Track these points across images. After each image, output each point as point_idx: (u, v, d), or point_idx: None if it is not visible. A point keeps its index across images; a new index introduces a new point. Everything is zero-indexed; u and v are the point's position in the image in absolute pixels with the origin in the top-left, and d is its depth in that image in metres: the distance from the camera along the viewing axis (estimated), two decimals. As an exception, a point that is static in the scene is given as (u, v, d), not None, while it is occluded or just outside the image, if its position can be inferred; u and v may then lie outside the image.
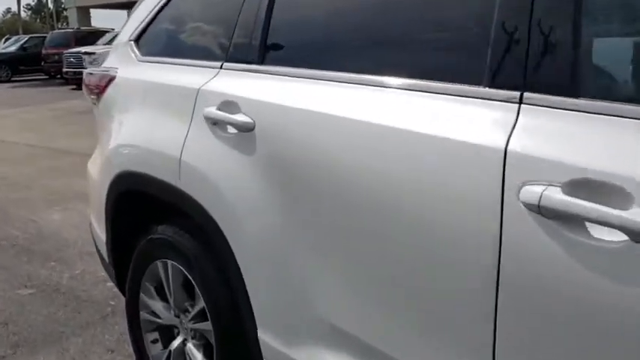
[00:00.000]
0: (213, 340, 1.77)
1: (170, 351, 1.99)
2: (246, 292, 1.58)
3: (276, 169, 1.47)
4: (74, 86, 15.14)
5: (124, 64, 2.17)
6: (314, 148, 1.38)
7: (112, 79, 2.19)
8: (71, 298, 3.04)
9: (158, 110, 1.90)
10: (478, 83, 1.10)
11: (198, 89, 1.72)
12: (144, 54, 2.10)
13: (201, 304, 1.80)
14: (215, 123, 1.63)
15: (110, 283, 3.15)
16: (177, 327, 1.99)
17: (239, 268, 1.58)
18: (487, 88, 1.08)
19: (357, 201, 1.28)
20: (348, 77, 1.38)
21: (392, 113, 1.23)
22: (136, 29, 2.14)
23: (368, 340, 1.34)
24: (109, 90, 2.20)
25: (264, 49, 1.62)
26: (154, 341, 2.08)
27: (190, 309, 1.90)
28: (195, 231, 1.78)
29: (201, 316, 1.84)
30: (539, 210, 0.95)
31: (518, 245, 1.00)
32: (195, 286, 1.79)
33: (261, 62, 1.61)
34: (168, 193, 1.79)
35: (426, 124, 1.15)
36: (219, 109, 1.62)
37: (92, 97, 2.31)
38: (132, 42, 2.15)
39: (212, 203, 1.63)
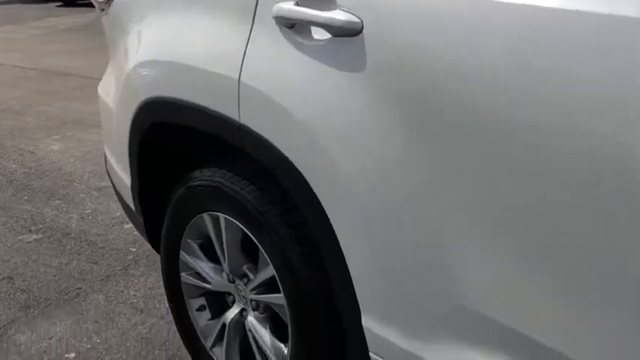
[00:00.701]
0: (287, 318, 1.36)
1: (225, 324, 1.58)
2: (343, 264, 1.14)
3: (400, 91, 0.99)
4: (60, 3, 14.20)
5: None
6: (473, 58, 0.90)
7: (125, -27, 1.65)
8: (84, 244, 2.62)
9: (199, 10, 1.39)
10: None
11: (262, -23, 1.21)
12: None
13: (269, 271, 1.37)
14: (292, 25, 1.14)
15: (128, 225, 2.74)
16: (231, 294, 1.57)
17: (333, 233, 1.14)
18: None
19: (555, 139, 0.82)
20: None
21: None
22: None
23: (551, 344, 0.92)
24: (123, -11, 1.67)
25: None
26: (201, 309, 1.67)
27: (251, 275, 1.48)
28: (261, 179, 1.33)
29: (267, 286, 1.42)
30: None
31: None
32: (262, 250, 1.36)
33: None
34: (221, 128, 1.32)
35: None
36: (299, 4, 1.11)
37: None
38: None
39: (291, 143, 1.17)
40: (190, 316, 1.68)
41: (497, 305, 0.96)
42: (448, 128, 0.94)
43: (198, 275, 1.62)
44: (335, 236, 1.13)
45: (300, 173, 1.17)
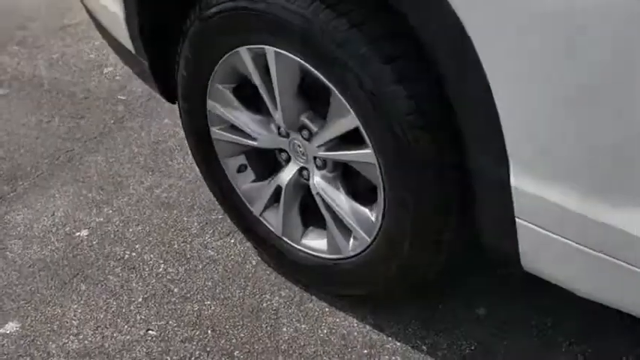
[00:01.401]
0: (378, 179, 1.04)
1: (280, 187, 1.26)
2: (489, 107, 0.80)
3: None
4: None
5: None
6: None
7: None
8: (62, 96, 2.19)
9: None
10: None
11: None
12: None
13: (347, 122, 1.03)
14: None
15: (109, 68, 2.31)
16: (284, 150, 1.24)
17: (478, 64, 0.77)
18: None
19: None
20: None
21: None
22: None
23: None
24: None
25: None
26: (241, 169, 1.34)
27: (313, 126, 1.14)
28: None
29: (342, 140, 1.08)
30: None
31: None
32: (338, 93, 1.00)
33: None
34: None
35: None
36: None
37: None
38: None
39: None
40: (229, 177, 1.35)
41: None
42: None
43: (236, 130, 1.26)
44: (480, 67, 0.77)
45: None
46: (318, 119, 1.13)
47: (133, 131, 1.97)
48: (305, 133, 1.16)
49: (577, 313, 1.23)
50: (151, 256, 1.51)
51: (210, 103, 1.26)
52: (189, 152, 1.46)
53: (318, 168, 1.19)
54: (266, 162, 1.31)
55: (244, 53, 1.11)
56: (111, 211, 1.66)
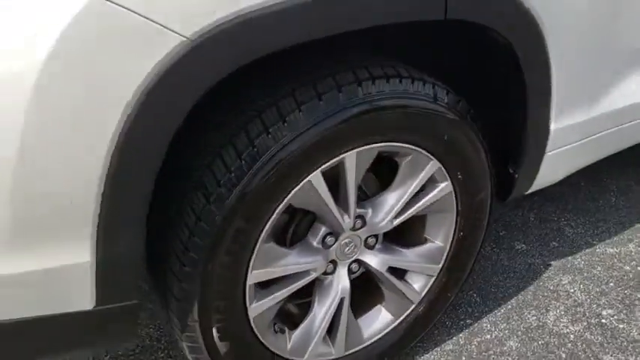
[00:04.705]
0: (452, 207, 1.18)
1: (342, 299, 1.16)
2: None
3: None
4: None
5: None
6: None
7: None
8: None
9: None
10: None
11: None
12: None
13: (428, 170, 1.11)
14: None
15: None
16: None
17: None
18: None
19: None
20: None
21: None
22: None
23: None
24: None
25: None
26: (275, 329, 1.12)
27: (366, 210, 1.13)
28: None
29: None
30: None
31: None
32: (424, 152, 1.07)
33: None
34: None
35: None
36: None
37: None
38: None
39: None
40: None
41: None
42: None
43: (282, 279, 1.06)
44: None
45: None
46: (362, 202, 1.12)
47: None
48: (358, 222, 1.11)
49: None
50: None
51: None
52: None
53: (370, 248, 1.16)
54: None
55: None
56: None
